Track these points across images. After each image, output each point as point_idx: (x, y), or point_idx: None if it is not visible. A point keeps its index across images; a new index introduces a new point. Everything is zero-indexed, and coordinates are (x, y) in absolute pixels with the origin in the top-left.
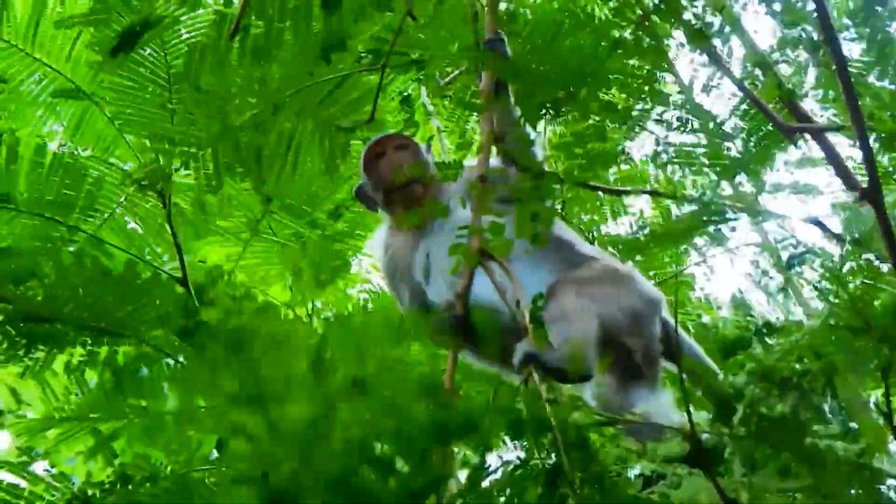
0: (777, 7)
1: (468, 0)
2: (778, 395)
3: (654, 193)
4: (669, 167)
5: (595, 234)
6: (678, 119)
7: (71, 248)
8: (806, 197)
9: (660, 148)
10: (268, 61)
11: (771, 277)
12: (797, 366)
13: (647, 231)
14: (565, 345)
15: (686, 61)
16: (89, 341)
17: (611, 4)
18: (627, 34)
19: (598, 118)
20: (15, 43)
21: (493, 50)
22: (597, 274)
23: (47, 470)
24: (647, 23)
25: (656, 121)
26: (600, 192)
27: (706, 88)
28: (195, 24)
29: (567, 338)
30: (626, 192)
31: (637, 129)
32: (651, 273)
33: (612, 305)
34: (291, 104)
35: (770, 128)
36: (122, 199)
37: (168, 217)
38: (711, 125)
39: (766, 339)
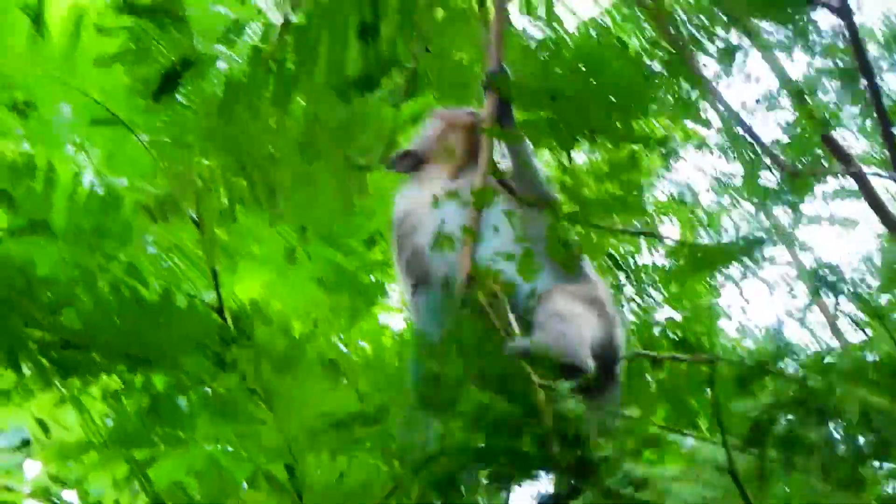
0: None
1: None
2: (814, 423)
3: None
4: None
5: (632, 265)
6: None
7: (101, 279)
8: (842, 229)
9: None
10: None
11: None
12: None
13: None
14: (560, 339)
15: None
16: (124, 370)
17: (646, 34)
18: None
19: (633, 145)
20: (50, 70)
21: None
22: (581, 295)
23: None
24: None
25: (697, 146)
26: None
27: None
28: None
29: (561, 332)
30: (636, 234)
31: (674, 158)
32: (685, 303)
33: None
34: (311, 139)
35: (818, 152)
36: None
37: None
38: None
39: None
